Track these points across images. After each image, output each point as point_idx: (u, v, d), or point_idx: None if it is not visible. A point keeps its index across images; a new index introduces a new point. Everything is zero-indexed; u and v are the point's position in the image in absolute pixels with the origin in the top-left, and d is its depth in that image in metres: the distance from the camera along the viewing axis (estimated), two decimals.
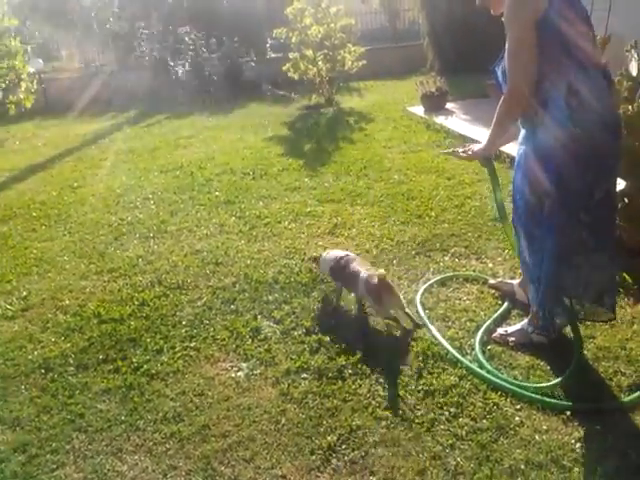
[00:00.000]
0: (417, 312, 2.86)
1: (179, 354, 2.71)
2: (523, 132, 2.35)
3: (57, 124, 9.39)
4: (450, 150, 2.78)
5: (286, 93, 9.74)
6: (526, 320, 2.57)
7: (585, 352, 2.43)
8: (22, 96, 8.76)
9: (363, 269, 2.82)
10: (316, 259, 3.16)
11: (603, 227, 2.26)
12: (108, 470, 2.05)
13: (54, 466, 2.09)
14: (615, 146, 2.20)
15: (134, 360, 2.68)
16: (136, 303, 3.20)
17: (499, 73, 2.28)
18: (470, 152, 2.60)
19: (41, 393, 2.50)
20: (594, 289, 2.32)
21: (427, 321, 2.77)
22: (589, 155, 2.09)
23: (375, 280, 2.66)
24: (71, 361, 2.72)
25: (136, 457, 2.10)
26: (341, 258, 2.95)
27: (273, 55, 12.16)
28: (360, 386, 2.38)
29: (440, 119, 6.88)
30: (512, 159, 4.59)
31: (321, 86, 8.92)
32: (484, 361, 2.41)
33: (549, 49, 2.05)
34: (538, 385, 2.26)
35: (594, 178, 2.14)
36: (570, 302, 2.35)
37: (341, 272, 2.91)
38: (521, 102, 2.17)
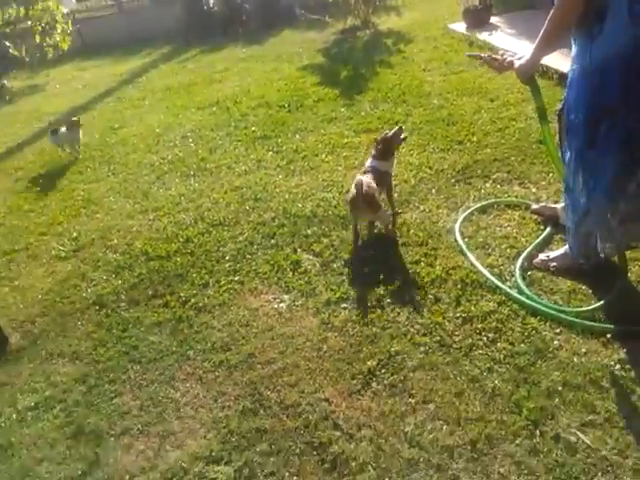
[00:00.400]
0: (456, 240, 2.84)
1: (224, 287, 2.82)
2: (575, 49, 2.16)
3: (95, 65, 9.43)
4: (479, 54, 2.58)
5: (320, 17, 9.33)
6: (568, 245, 2.51)
7: (628, 275, 2.37)
8: (58, 38, 8.79)
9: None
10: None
11: None
12: (162, 397, 2.22)
13: (112, 395, 2.27)
14: None
15: (182, 294, 2.81)
16: (181, 240, 3.31)
17: None
18: (506, 64, 2.40)
19: (96, 328, 2.68)
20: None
21: (466, 249, 2.74)
22: None
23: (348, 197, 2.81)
24: (123, 297, 2.88)
25: (188, 385, 2.25)
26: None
27: None
28: (399, 314, 2.43)
29: (484, 35, 6.47)
30: (561, 75, 4.34)
31: (357, 6, 8.49)
32: (524, 287, 2.39)
33: None
34: (578, 309, 2.24)
35: None
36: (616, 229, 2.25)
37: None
38: (575, 12, 1.96)
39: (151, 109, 6.20)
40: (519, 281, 2.43)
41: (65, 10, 9.35)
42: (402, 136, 3.13)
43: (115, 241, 3.44)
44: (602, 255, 2.30)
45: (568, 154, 2.28)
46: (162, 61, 8.81)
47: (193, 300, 2.76)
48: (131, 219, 3.70)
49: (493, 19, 7.13)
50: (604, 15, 1.93)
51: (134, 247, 3.32)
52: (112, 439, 2.08)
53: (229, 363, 2.32)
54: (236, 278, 2.88)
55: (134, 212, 3.79)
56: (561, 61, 3.64)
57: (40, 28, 8.55)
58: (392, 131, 3.10)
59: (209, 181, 4.08)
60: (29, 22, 8.48)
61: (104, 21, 11.79)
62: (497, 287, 2.45)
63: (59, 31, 8.77)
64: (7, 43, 8.20)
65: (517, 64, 2.33)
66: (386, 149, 3.07)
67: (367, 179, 2.86)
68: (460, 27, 7.13)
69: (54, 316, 2.83)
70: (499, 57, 2.46)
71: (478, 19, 6.99)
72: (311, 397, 2.09)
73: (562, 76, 4.51)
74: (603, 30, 1.95)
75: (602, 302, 2.22)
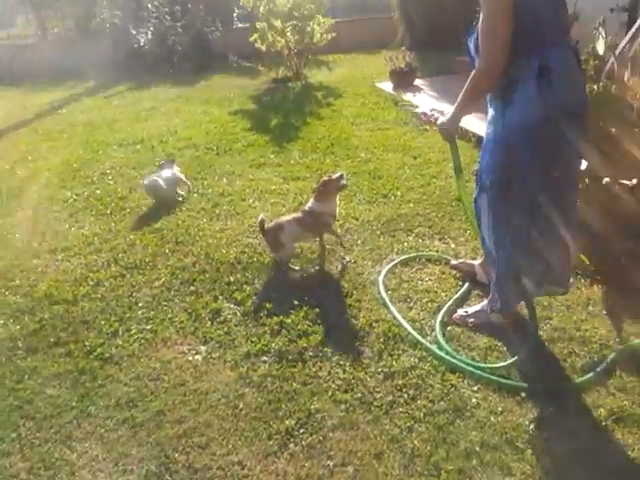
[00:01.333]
0: (379, 293, 2.84)
1: (135, 337, 2.63)
2: (491, 112, 2.29)
3: (12, 94, 8.96)
4: (411, 107, 2.71)
5: (253, 65, 9.48)
6: (486, 301, 2.58)
7: (541, 333, 2.46)
8: None
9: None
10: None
11: (563, 208, 2.26)
12: (56, 459, 1.99)
13: None
14: (581, 126, 2.17)
15: (87, 343, 2.59)
16: (91, 283, 3.09)
17: (471, 46, 2.19)
18: (432, 119, 2.55)
19: None
20: (553, 269, 2.33)
21: (389, 302, 2.75)
22: (555, 136, 2.07)
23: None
24: (20, 344, 2.62)
25: (86, 445, 2.04)
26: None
27: (240, 25, 11.81)
28: (320, 369, 2.36)
29: (408, 95, 6.82)
30: (478, 138, 4.60)
31: (289, 58, 8.71)
32: (443, 342, 2.41)
33: (523, 26, 1.99)
34: (494, 365, 2.28)
35: (556, 159, 2.13)
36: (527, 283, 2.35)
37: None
38: (494, 78, 2.09)
39: (69, 143, 5.92)
40: (439, 337, 2.45)
41: None
42: (342, 182, 3.19)
43: (17, 282, 3.15)
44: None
45: (482, 212, 2.39)
46: (86, 95, 8.54)
47: (99, 350, 2.54)
48: (37, 258, 3.42)
49: (417, 81, 7.55)
50: (516, 84, 2.07)
51: (37, 289, 3.06)
52: None
53: (134, 421, 2.13)
54: (149, 327, 2.70)
55: (41, 251, 3.51)
56: (480, 124, 3.86)
57: None
58: (334, 176, 3.18)
59: (127, 221, 3.89)
60: None
61: (27, 50, 11.32)
62: (418, 342, 2.45)
63: None
64: None
65: (439, 121, 2.46)
66: (325, 191, 3.14)
67: (287, 218, 3.18)
68: (387, 86, 7.49)
69: None
70: (428, 113, 2.60)
71: (404, 80, 7.38)
72: (223, 460, 1.95)
73: (480, 139, 4.80)
74: (514, 99, 2.09)
75: (514, 359, 2.27)
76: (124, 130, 6.27)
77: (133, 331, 2.66)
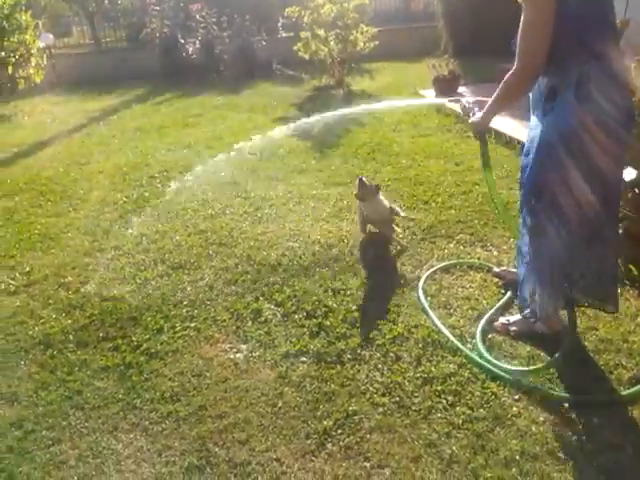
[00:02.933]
0: (419, 299, 2.84)
1: (179, 334, 2.71)
2: (533, 119, 2.29)
3: (66, 100, 9.35)
4: (456, 99, 2.73)
5: (296, 73, 9.61)
6: (528, 310, 2.54)
7: (586, 344, 2.41)
8: (32, 71, 8.73)
9: None
10: None
11: (606, 217, 2.21)
12: (103, 448, 2.07)
13: (50, 442, 2.10)
14: (622, 137, 2.13)
15: (134, 339, 2.69)
16: (138, 282, 3.20)
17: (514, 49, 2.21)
18: (471, 114, 2.56)
19: (40, 369, 2.51)
20: (596, 280, 2.28)
21: (428, 308, 2.74)
22: (594, 147, 2.04)
23: None
24: (71, 338, 2.73)
25: (132, 436, 2.11)
26: None
27: (284, 34, 11.98)
28: (358, 371, 2.37)
29: (451, 103, 6.76)
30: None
31: (332, 67, 8.78)
32: (484, 350, 2.39)
33: (566, 35, 1.98)
34: (530, 368, 2.26)
35: (597, 169, 2.09)
36: (570, 290, 2.31)
37: None
38: (529, 81, 2.11)
39: (120, 148, 6.14)
40: (479, 344, 2.43)
41: (41, 44, 9.34)
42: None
43: (69, 279, 3.30)
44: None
45: (524, 218, 2.37)
46: (136, 102, 8.82)
47: (145, 345, 2.63)
48: (88, 257, 3.57)
49: (461, 88, 7.48)
50: (556, 93, 2.06)
51: (88, 286, 3.19)
52: None
53: (177, 415, 2.20)
54: (192, 324, 2.78)
55: (92, 250, 3.66)
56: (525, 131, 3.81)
57: (14, 60, 8.49)
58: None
59: (173, 223, 4.00)
60: (3, 53, 8.42)
61: (81, 59, 11.80)
62: (458, 349, 2.44)
63: (33, 64, 8.73)
64: None
65: (472, 119, 2.50)
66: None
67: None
68: (430, 94, 7.45)
69: None
70: (469, 105, 2.62)
71: (447, 87, 7.32)
72: (262, 456, 1.99)
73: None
74: (554, 107, 2.08)
75: (550, 361, 2.24)
76: (172, 135, 6.46)
77: (178, 328, 2.74)
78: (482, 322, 2.59)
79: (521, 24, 2.05)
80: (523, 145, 2.45)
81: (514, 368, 2.29)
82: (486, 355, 2.36)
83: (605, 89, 2.01)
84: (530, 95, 2.30)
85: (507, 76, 2.14)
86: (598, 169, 2.08)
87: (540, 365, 2.27)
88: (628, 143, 2.18)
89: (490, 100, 2.31)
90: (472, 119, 2.50)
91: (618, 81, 2.06)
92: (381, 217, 3.44)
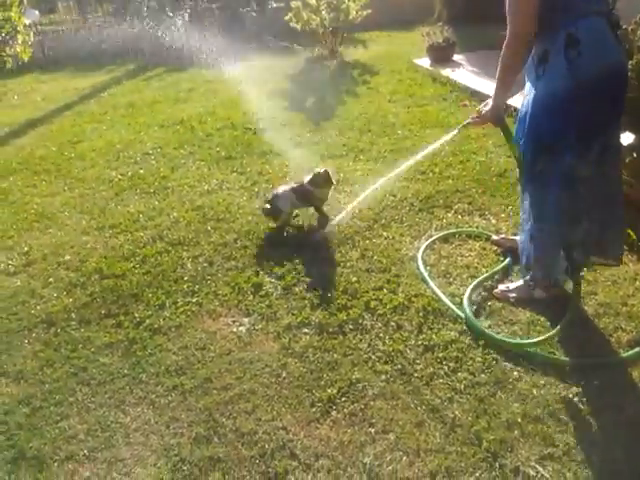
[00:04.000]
0: (418, 268, 2.85)
1: (181, 309, 2.72)
2: (527, 85, 2.28)
3: (56, 78, 9.20)
4: (465, 122, 2.67)
5: (288, 45, 9.46)
6: (528, 276, 2.55)
7: (586, 308, 2.44)
8: (19, 49, 8.51)
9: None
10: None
11: (605, 181, 2.22)
12: (111, 422, 2.09)
13: (58, 418, 2.13)
14: (618, 97, 2.13)
15: (136, 315, 2.70)
16: (137, 259, 3.20)
17: None
18: (479, 117, 2.54)
19: (44, 347, 2.53)
20: (597, 244, 2.30)
21: (428, 277, 2.76)
22: (588, 107, 2.05)
23: None
24: (73, 316, 2.74)
25: (139, 409, 2.14)
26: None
27: (275, 5, 11.75)
28: (360, 341, 2.40)
29: (447, 71, 6.69)
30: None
31: (324, 37, 8.64)
32: (470, 313, 2.42)
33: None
34: (532, 341, 2.26)
35: (593, 130, 2.09)
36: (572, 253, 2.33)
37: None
38: (521, 49, 2.13)
39: (112, 125, 6.06)
40: (467, 308, 2.45)
41: (27, 21, 9.12)
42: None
43: (68, 257, 3.29)
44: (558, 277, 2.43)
45: (524, 184, 2.38)
46: (126, 78, 8.68)
47: (148, 321, 2.65)
48: (86, 235, 3.56)
49: (456, 56, 7.38)
50: (547, 57, 2.06)
51: (88, 264, 3.19)
52: (56, 464, 1.94)
53: (183, 388, 2.22)
54: (194, 300, 2.79)
55: (89, 228, 3.65)
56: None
57: (0, 38, 8.30)
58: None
59: (170, 199, 3.98)
60: None
61: (68, 35, 11.56)
62: (458, 316, 2.46)
63: (20, 42, 8.54)
64: None
65: (484, 111, 2.49)
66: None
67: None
68: (424, 62, 7.36)
69: None
70: (476, 115, 2.58)
71: (442, 56, 7.24)
72: (268, 425, 2.02)
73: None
74: (545, 70, 2.07)
75: (553, 331, 2.25)
76: (164, 111, 6.38)
77: (179, 304, 2.75)
78: (471, 286, 2.61)
79: None
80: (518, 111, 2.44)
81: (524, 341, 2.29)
82: (470, 317, 2.40)
83: (595, 50, 2.02)
84: None
85: (502, 52, 2.15)
86: (592, 129, 2.09)
87: (546, 335, 2.26)
88: (622, 105, 2.18)
89: (495, 86, 2.30)
90: (484, 113, 2.48)
91: (608, 39, 2.05)
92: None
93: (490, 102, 2.44)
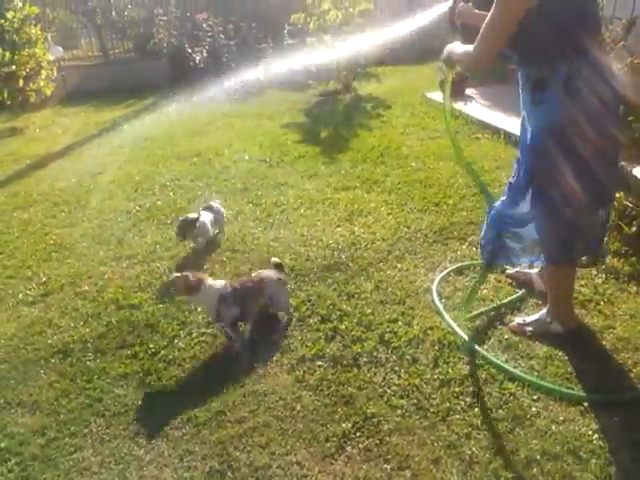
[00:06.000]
0: (433, 301, 2.84)
1: (195, 340, 2.73)
2: (524, 114, 2.31)
3: (77, 112, 9.45)
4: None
5: (303, 79, 9.65)
6: (544, 310, 2.54)
7: (604, 342, 2.42)
8: (42, 84, 8.81)
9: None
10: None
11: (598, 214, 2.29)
12: (125, 454, 2.09)
13: (72, 449, 2.13)
14: (611, 132, 2.16)
15: (151, 346, 2.71)
16: (153, 289, 3.23)
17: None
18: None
19: (60, 377, 2.55)
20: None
21: (443, 310, 2.75)
22: (582, 140, 2.08)
23: None
24: (89, 346, 2.76)
25: (153, 441, 2.14)
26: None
27: (290, 41, 12.06)
28: (375, 374, 2.38)
29: (459, 105, 6.77)
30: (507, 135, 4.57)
31: (339, 71, 8.81)
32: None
33: (551, 31, 2.01)
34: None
35: (586, 162, 2.11)
36: None
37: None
38: (480, 66, 2.42)
39: (131, 157, 6.19)
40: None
41: (51, 57, 9.45)
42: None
43: (85, 288, 3.33)
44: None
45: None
46: (145, 112, 8.89)
47: (163, 352, 2.66)
48: (103, 266, 3.61)
49: (468, 90, 7.47)
50: (545, 87, 2.08)
51: (105, 295, 3.22)
52: None
53: (197, 420, 2.22)
54: (209, 330, 2.79)
55: (107, 259, 3.70)
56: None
57: (24, 73, 8.58)
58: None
59: None
60: (14, 66, 8.52)
61: (90, 70, 11.92)
62: (475, 350, 2.44)
63: (43, 77, 8.82)
64: None
65: (447, 47, 2.63)
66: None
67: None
68: (437, 96, 7.45)
69: (16, 363, 2.68)
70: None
71: (454, 90, 7.31)
72: (282, 459, 2.00)
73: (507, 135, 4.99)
74: (543, 99, 2.10)
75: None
76: (182, 144, 6.51)
77: (194, 334, 2.77)
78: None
79: (487, 18, 2.08)
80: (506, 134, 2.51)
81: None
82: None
83: (594, 85, 2.05)
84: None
85: (470, 51, 2.23)
86: (587, 163, 2.10)
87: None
88: (618, 139, 2.20)
89: (462, 50, 2.41)
90: (448, 47, 2.60)
91: (605, 77, 2.09)
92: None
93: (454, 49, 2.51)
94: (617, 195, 3.16)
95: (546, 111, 2.13)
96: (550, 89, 2.10)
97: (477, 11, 2.63)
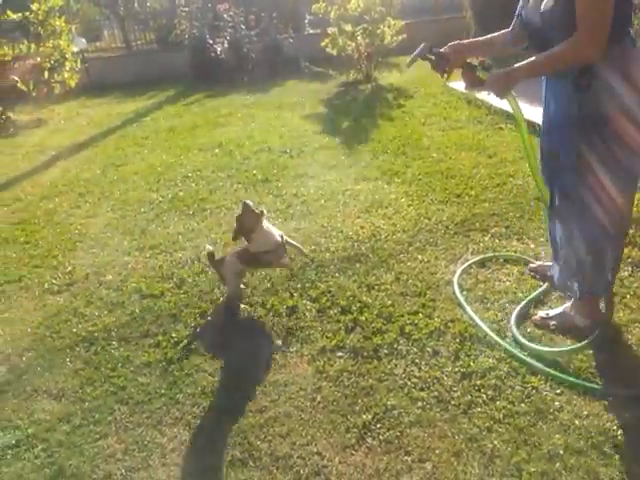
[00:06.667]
0: (454, 293, 2.82)
1: (217, 330, 2.75)
2: (559, 95, 2.17)
3: (100, 103, 9.57)
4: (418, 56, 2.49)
5: (324, 70, 9.61)
6: (568, 303, 2.50)
7: (629, 337, 2.37)
8: (66, 75, 8.94)
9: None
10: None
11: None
12: (148, 442, 2.13)
13: (97, 436, 2.18)
14: None
15: (174, 335, 2.75)
16: (176, 279, 3.27)
17: (536, 19, 2.07)
18: (476, 84, 2.33)
19: (85, 365, 2.60)
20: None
21: (464, 302, 2.72)
22: (628, 128, 2.01)
23: None
24: (114, 335, 2.81)
25: (175, 430, 2.17)
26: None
27: (311, 31, 11.99)
28: (396, 366, 2.38)
29: (482, 94, 6.66)
30: (532, 125, 4.43)
31: (359, 62, 8.75)
32: (523, 340, 2.39)
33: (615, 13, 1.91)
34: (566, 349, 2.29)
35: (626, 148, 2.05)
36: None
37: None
38: (598, 51, 1.90)
39: (154, 148, 6.25)
40: (517, 336, 2.41)
41: (75, 49, 9.56)
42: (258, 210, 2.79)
43: (110, 277, 3.39)
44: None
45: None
46: (167, 103, 8.96)
47: (185, 341, 2.69)
48: (127, 256, 3.66)
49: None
50: (593, 70, 1.98)
51: (128, 284, 3.27)
52: None
53: (219, 409, 2.25)
54: (230, 320, 2.82)
55: (131, 249, 3.75)
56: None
57: (49, 65, 8.71)
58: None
59: (208, 221, 4.07)
60: (38, 58, 8.65)
61: (113, 62, 12.05)
62: (497, 343, 2.42)
63: (67, 68, 8.94)
64: (15, 77, 8.32)
65: (492, 76, 2.25)
66: (243, 230, 2.79)
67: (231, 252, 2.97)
68: (459, 85, 7.34)
69: (42, 351, 2.75)
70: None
71: (477, 79, 7.20)
72: (303, 449, 2.02)
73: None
74: (593, 86, 2.00)
75: (582, 343, 2.25)
76: (203, 135, 6.55)
77: (216, 324, 2.79)
78: (514, 314, 2.57)
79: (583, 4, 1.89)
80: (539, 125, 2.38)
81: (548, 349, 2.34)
82: (528, 344, 2.36)
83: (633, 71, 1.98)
84: None
85: (568, 43, 1.94)
86: (626, 157, 2.04)
87: (575, 345, 2.30)
88: None
89: (528, 63, 2.10)
90: (491, 83, 2.24)
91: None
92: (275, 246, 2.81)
93: (501, 75, 2.18)
94: None
95: (594, 98, 2.01)
96: (600, 74, 1.97)
97: (472, 40, 2.47)
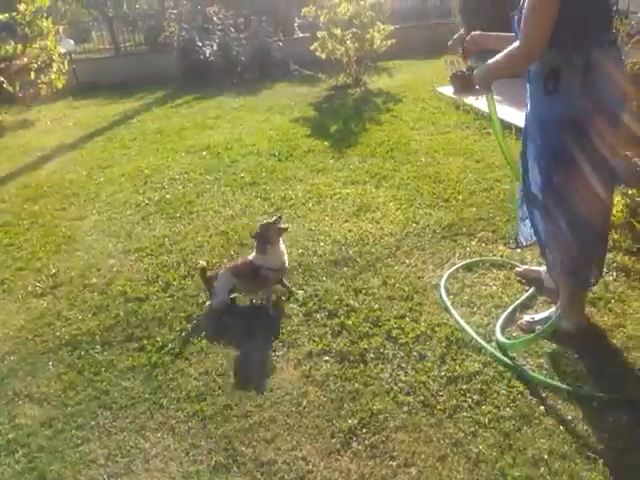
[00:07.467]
0: (441, 297, 2.82)
1: (203, 334, 2.73)
2: (532, 99, 2.26)
3: (88, 104, 9.49)
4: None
5: (313, 73, 9.60)
6: (554, 308, 2.51)
7: (614, 341, 2.38)
8: (53, 76, 8.86)
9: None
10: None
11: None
12: (131, 447, 2.10)
13: (79, 441, 2.15)
14: (618, 124, 2.13)
15: (159, 339, 2.72)
16: (161, 283, 3.24)
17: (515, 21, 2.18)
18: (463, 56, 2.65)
19: (68, 369, 2.57)
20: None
21: (450, 307, 2.73)
22: (593, 131, 2.05)
23: None
24: (97, 339, 2.78)
25: (159, 435, 2.15)
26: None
27: (301, 35, 12.00)
28: (382, 370, 2.37)
29: (470, 99, 6.70)
30: (518, 130, 4.48)
31: (349, 66, 8.76)
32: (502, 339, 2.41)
33: (570, 18, 1.96)
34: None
35: (597, 153, 2.08)
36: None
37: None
38: (531, 58, 2.06)
39: (141, 150, 6.21)
40: (501, 339, 2.42)
41: (62, 50, 9.49)
42: (281, 225, 2.90)
43: (94, 280, 3.35)
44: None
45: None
46: (155, 105, 8.91)
47: (170, 345, 2.66)
48: (112, 258, 3.62)
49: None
50: (559, 75, 2.05)
51: (113, 287, 3.24)
52: None
53: (203, 414, 2.22)
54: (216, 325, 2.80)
55: (116, 251, 3.71)
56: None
57: (36, 66, 8.63)
58: (271, 219, 2.92)
59: (195, 224, 4.04)
60: (25, 59, 8.57)
61: (101, 63, 11.97)
62: (482, 347, 2.42)
63: (54, 70, 8.87)
64: (1, 78, 8.23)
65: (477, 71, 2.48)
66: (263, 239, 2.85)
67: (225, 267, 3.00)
68: (448, 90, 7.39)
69: (25, 355, 2.71)
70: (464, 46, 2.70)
71: (465, 84, 7.24)
72: (288, 455, 2.00)
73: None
74: (559, 88, 2.06)
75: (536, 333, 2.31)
76: (191, 138, 6.52)
77: (201, 328, 2.77)
78: (501, 319, 2.58)
79: (527, 4, 2.00)
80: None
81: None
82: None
83: (608, 77, 2.02)
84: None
85: (512, 48, 2.08)
86: (599, 154, 2.07)
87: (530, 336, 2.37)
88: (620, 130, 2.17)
89: (493, 61, 2.25)
90: (477, 71, 2.46)
91: (618, 69, 2.06)
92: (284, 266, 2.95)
93: (484, 68, 2.37)
94: (629, 192, 3.12)
95: (559, 101, 2.09)
96: (565, 78, 2.05)
97: (489, 33, 2.56)
